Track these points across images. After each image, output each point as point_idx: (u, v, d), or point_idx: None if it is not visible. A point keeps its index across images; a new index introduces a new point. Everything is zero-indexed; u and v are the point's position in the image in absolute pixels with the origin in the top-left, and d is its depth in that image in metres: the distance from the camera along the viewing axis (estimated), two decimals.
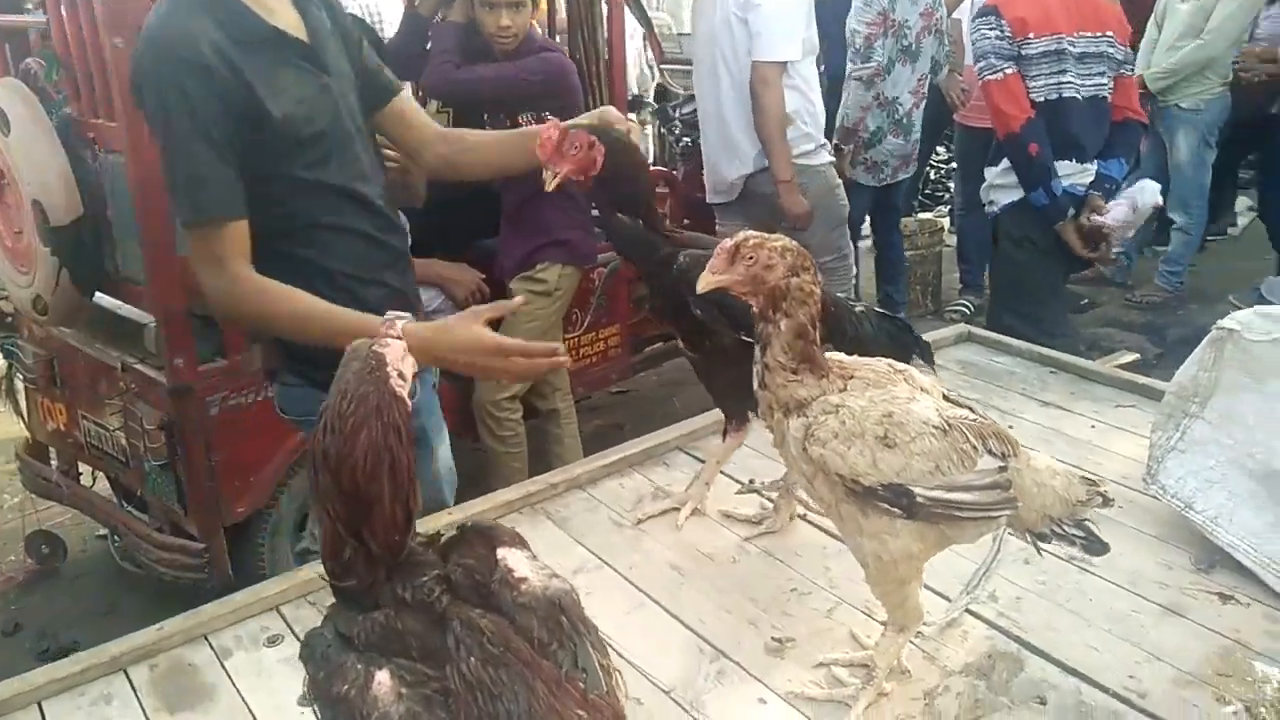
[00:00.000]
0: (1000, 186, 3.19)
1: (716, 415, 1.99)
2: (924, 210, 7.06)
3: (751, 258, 1.15)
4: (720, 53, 3.27)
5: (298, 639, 1.28)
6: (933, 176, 8.31)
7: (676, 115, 4.42)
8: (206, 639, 1.43)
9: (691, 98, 3.99)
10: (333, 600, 0.90)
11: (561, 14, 4.06)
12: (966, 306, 5.26)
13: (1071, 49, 3.00)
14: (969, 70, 4.60)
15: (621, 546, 1.62)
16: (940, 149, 8.44)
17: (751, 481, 1.78)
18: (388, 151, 2.26)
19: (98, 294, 2.65)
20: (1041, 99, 3.00)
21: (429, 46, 3.11)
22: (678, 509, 1.69)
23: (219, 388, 2.46)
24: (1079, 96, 3.02)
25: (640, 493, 1.79)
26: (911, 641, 1.32)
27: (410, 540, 0.89)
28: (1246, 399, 1.52)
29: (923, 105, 4.44)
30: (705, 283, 1.18)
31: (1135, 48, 4.01)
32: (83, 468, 3.03)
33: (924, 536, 1.18)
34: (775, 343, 1.17)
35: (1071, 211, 3.03)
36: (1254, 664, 1.30)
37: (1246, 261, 5.90)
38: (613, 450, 1.90)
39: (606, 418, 4.18)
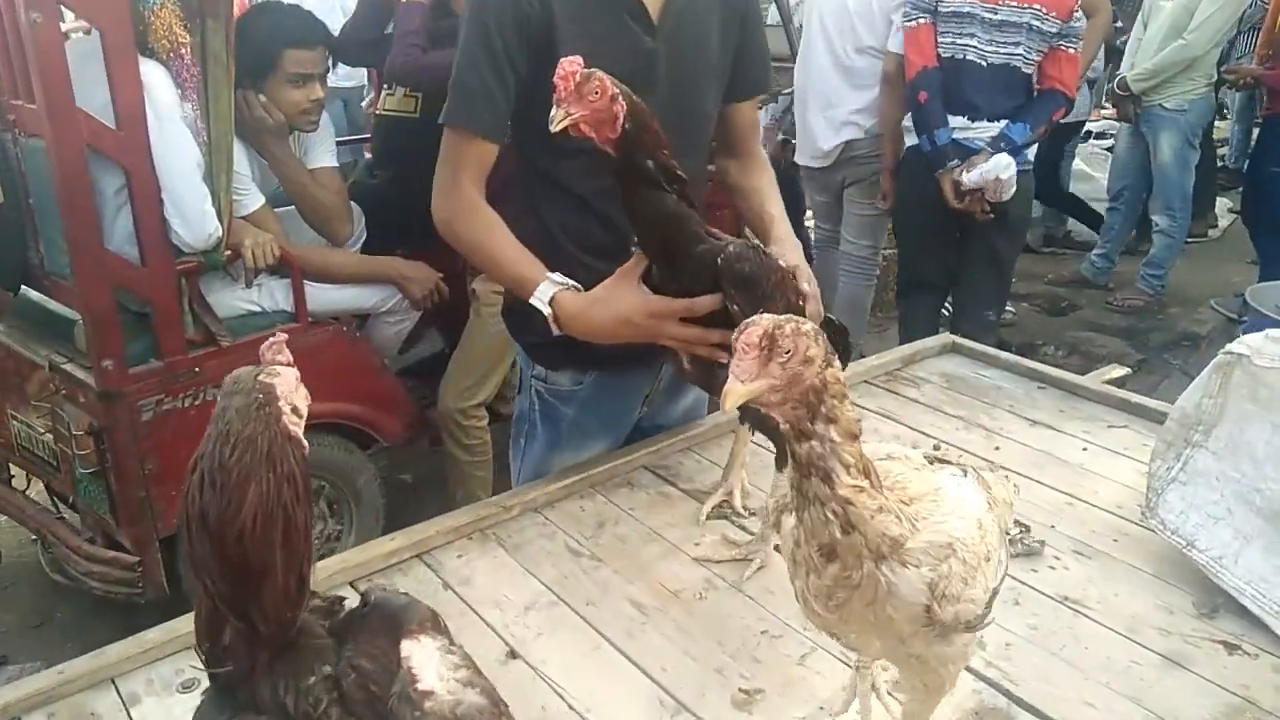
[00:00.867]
0: (907, 129, 3.52)
1: (684, 431, 1.88)
2: None
3: (789, 351, 0.81)
4: (829, 32, 3.75)
5: None
6: None
7: None
8: (113, 683, 1.28)
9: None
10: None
11: None
12: (1009, 310, 5.17)
13: (990, 16, 3.20)
14: None
15: (579, 579, 1.49)
16: None
17: (722, 504, 1.65)
18: None
19: (25, 287, 2.49)
20: (947, 55, 3.27)
21: (391, 30, 2.97)
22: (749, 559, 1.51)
23: (153, 391, 2.30)
24: (982, 62, 3.24)
25: (602, 516, 1.65)
26: (895, 696, 1.20)
27: (304, 611, 0.74)
28: (1255, 429, 1.41)
29: None
30: (735, 396, 0.82)
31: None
32: (15, 470, 2.86)
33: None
34: (837, 463, 0.83)
35: (955, 162, 3.27)
36: None
37: (1227, 265, 5.85)
38: (572, 470, 1.76)
39: None
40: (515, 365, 3.06)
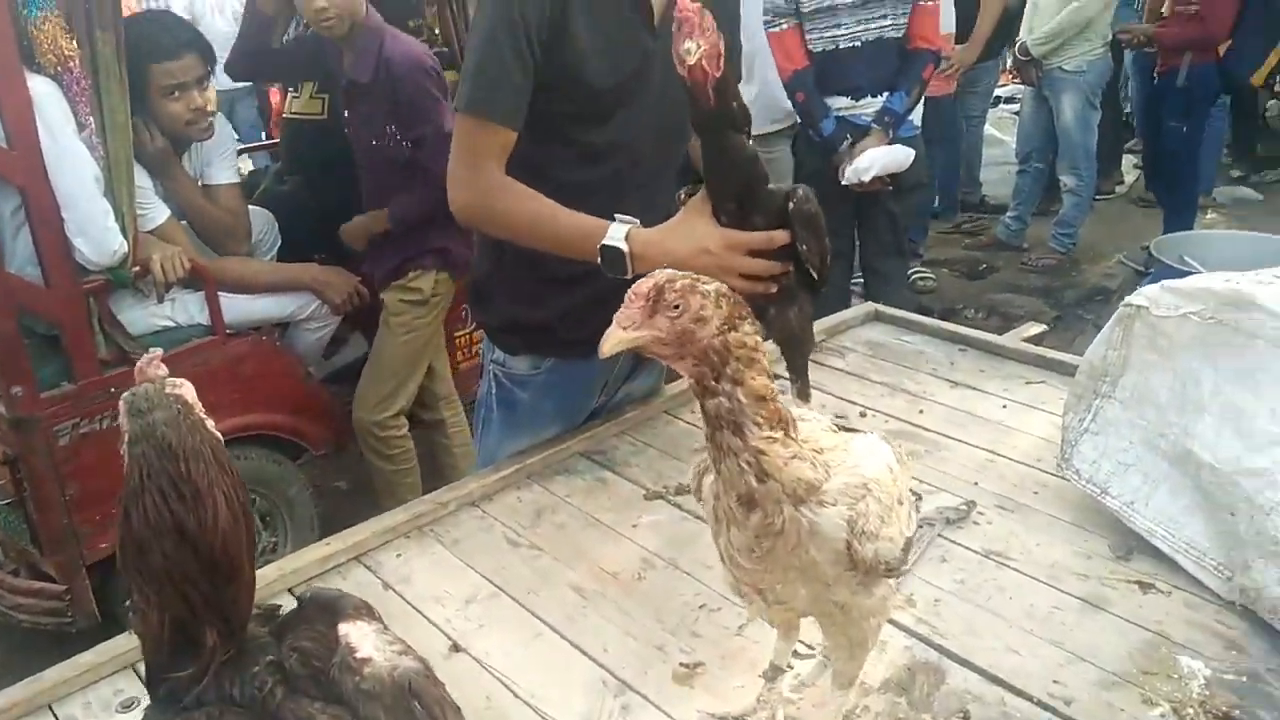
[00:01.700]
0: None
1: (617, 416, 1.89)
2: None
3: (678, 306, 0.84)
4: None
5: None
6: None
7: None
8: (50, 709, 1.26)
9: None
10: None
11: None
12: (929, 276, 5.33)
13: (849, 1, 3.32)
14: None
15: (518, 569, 1.50)
16: None
17: (666, 488, 1.67)
18: None
19: None
20: (820, 49, 3.38)
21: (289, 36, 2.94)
22: None
23: (68, 415, 2.24)
24: (857, 44, 3.37)
25: (539, 505, 1.66)
26: (829, 658, 1.23)
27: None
28: (1157, 377, 1.47)
29: None
30: (613, 341, 0.86)
31: None
32: None
33: (897, 585, 1.08)
34: (747, 421, 0.87)
35: (848, 140, 3.40)
36: (1178, 659, 1.24)
37: (1135, 220, 6.05)
38: (508, 461, 1.76)
39: None
40: (432, 372, 3.07)
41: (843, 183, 3.42)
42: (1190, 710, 1.16)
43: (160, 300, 2.56)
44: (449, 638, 1.35)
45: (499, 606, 1.42)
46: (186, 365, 2.43)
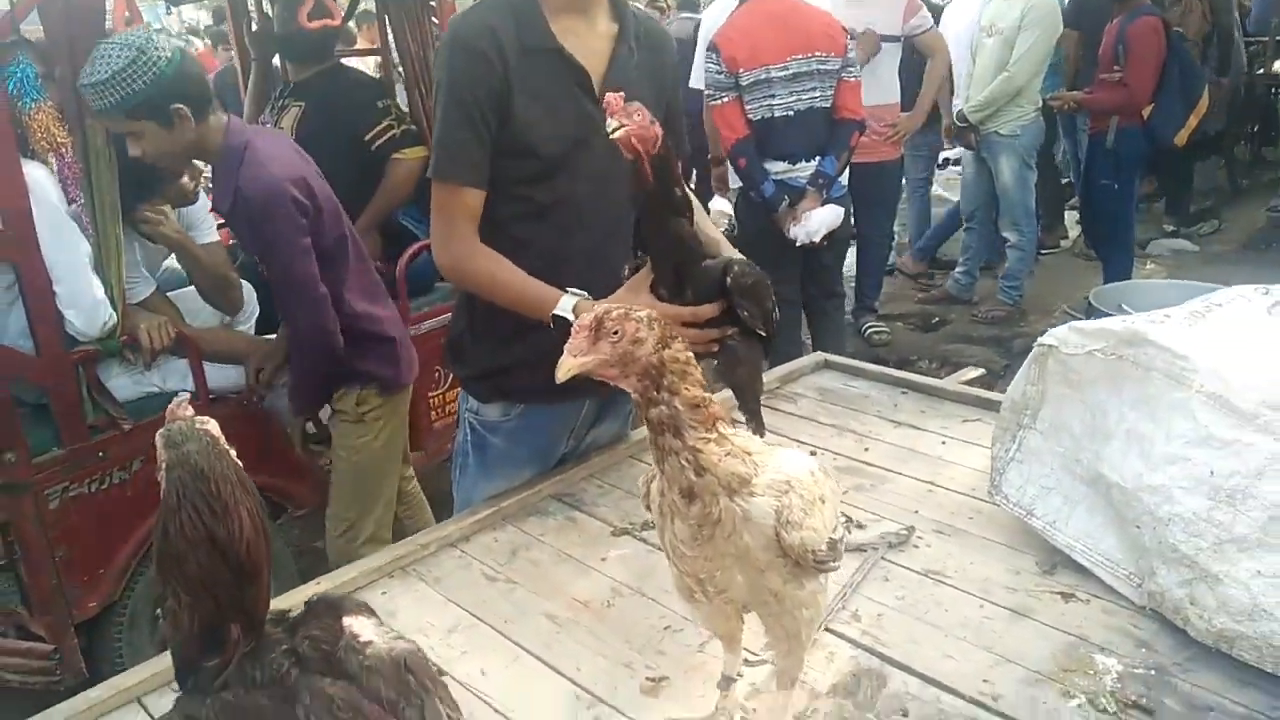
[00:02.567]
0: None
1: (589, 463, 2.02)
2: None
3: (617, 332, 1.00)
4: None
5: None
6: None
7: None
8: None
9: None
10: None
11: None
12: (884, 330, 5.56)
13: (782, 74, 3.72)
14: None
15: (496, 601, 1.61)
16: None
17: (632, 524, 1.80)
18: None
19: None
20: (758, 118, 3.75)
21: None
22: None
23: (58, 479, 2.33)
24: (790, 113, 3.77)
25: (514, 544, 1.78)
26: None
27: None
28: (1070, 409, 1.63)
29: None
30: (566, 368, 1.01)
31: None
32: None
33: (826, 585, 1.19)
34: (684, 424, 1.02)
35: (786, 201, 3.77)
36: (1094, 657, 1.38)
37: (1079, 273, 6.32)
38: (484, 505, 1.89)
39: None
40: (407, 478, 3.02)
41: (796, 244, 3.76)
42: (1103, 700, 1.30)
43: (147, 368, 2.67)
44: (433, 664, 1.46)
45: (479, 635, 1.53)
46: None
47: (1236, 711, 1.27)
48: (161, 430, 0.90)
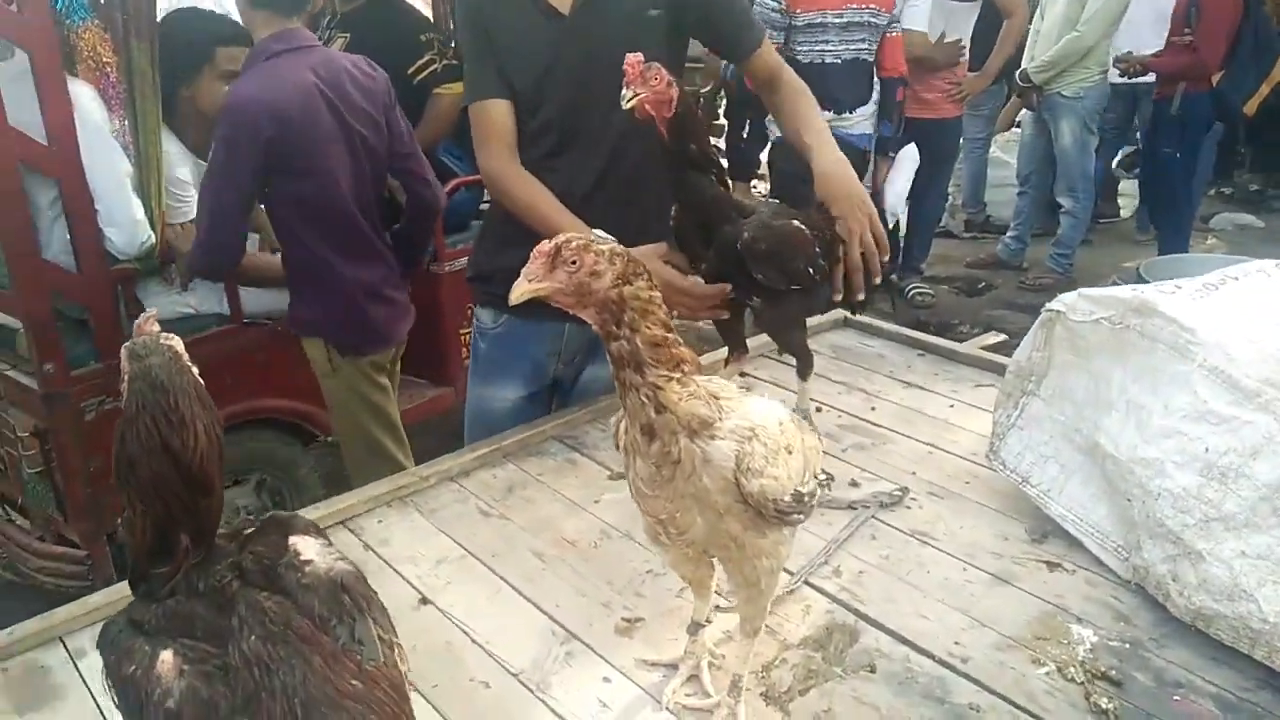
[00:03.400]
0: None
1: (591, 405, 2.05)
2: None
3: (574, 262, 1.00)
4: None
5: None
6: None
7: None
8: (61, 640, 1.42)
9: None
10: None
11: None
12: (927, 292, 5.50)
13: (837, 20, 3.79)
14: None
15: (486, 535, 1.65)
16: None
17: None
18: None
19: None
20: (807, 61, 3.76)
21: None
22: None
23: (95, 392, 2.42)
24: (839, 60, 3.84)
25: (512, 482, 1.82)
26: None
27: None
28: (1074, 377, 1.61)
29: None
30: (520, 291, 1.01)
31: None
32: None
33: (791, 536, 1.20)
34: (644, 361, 1.02)
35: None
36: (1070, 627, 1.38)
37: (1135, 243, 6.15)
38: (486, 442, 1.93)
39: None
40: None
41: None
42: (1072, 670, 1.30)
43: (184, 289, 2.74)
44: (419, 592, 1.51)
45: (466, 567, 1.57)
46: (205, 350, 2.60)
47: (1206, 690, 1.26)
48: (127, 343, 0.94)
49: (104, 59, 2.55)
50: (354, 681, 0.81)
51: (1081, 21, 4.96)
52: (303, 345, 2.65)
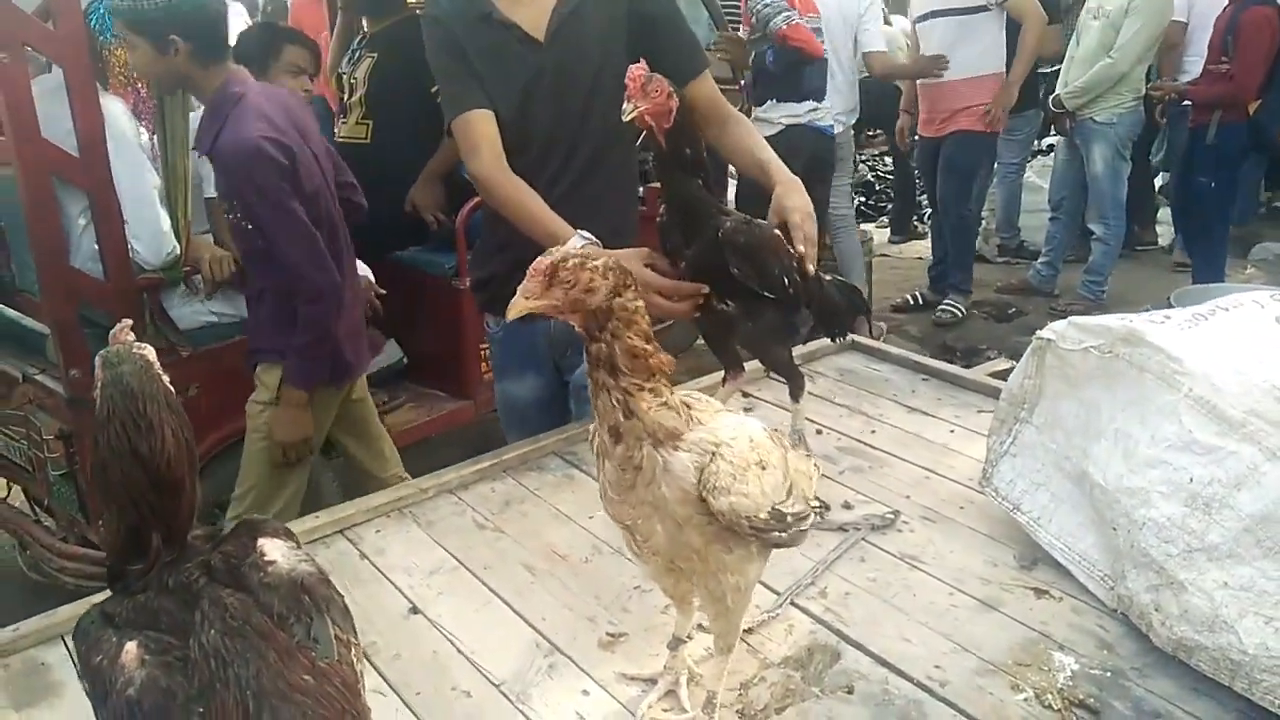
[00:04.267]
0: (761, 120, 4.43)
1: (591, 420, 2.06)
2: (865, 221, 7.19)
3: (570, 280, 1.03)
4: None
5: None
6: (877, 188, 8.47)
7: None
8: (62, 639, 1.46)
9: None
10: None
11: None
12: (957, 309, 5.48)
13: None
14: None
15: (480, 548, 1.68)
16: (886, 159, 8.62)
17: None
18: None
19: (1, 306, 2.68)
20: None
21: None
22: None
23: None
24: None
25: (509, 496, 1.85)
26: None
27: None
28: (1065, 405, 1.60)
29: None
30: (517, 309, 1.05)
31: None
32: None
33: (764, 555, 1.21)
34: (619, 366, 1.06)
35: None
36: (1053, 654, 1.38)
37: (1172, 272, 6.07)
38: (488, 455, 1.96)
39: None
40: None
41: None
42: (1050, 697, 1.30)
43: (208, 298, 2.81)
44: (410, 601, 1.54)
45: (458, 578, 1.61)
46: (229, 358, 2.67)
47: None
48: (101, 351, 0.98)
49: (135, 75, 2.63)
50: (306, 676, 0.84)
51: (1115, 48, 4.93)
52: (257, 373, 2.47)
